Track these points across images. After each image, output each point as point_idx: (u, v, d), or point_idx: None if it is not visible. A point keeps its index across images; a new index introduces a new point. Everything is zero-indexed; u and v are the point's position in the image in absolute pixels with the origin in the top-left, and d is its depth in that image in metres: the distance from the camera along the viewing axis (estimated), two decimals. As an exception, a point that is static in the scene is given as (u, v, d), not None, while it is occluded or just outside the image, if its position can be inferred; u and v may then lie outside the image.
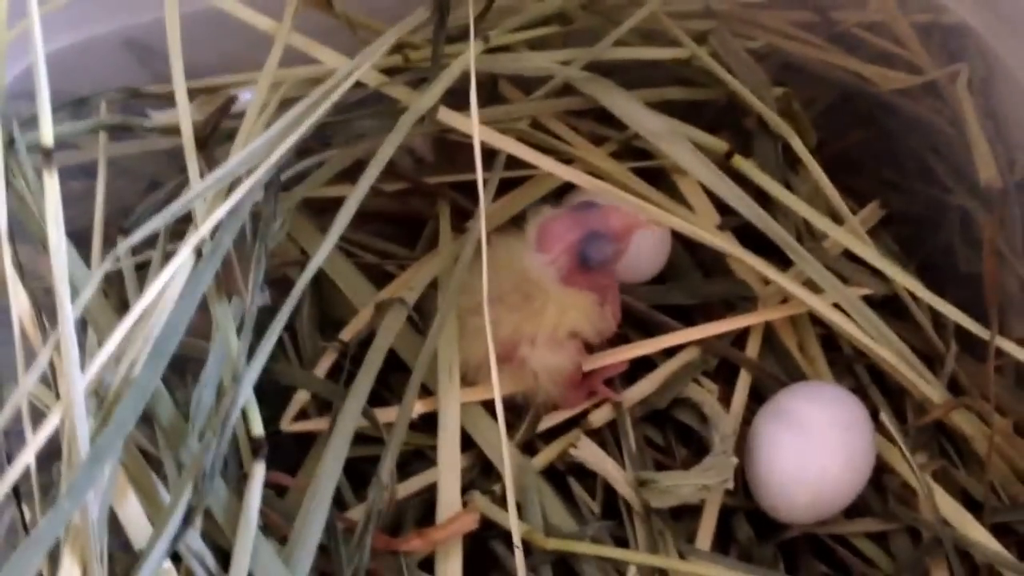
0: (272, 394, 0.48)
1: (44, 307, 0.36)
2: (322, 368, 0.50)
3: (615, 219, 0.45)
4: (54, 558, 0.34)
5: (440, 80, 0.43)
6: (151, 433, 0.40)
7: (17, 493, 0.36)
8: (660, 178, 0.54)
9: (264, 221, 0.39)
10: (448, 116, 0.45)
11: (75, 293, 0.34)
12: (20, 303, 0.35)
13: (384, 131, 0.43)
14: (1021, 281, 0.52)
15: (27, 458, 0.31)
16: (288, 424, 0.48)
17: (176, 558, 0.36)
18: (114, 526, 0.36)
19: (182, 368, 0.42)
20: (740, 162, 0.51)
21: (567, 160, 0.50)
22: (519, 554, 0.42)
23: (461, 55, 0.44)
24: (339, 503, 0.47)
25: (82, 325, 0.38)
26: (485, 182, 0.49)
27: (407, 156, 0.54)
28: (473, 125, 0.40)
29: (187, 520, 0.35)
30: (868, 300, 0.51)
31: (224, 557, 0.38)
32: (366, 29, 0.46)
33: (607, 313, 0.48)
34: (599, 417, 0.50)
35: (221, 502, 0.38)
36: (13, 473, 0.31)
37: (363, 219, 0.49)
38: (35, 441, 0.30)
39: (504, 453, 0.42)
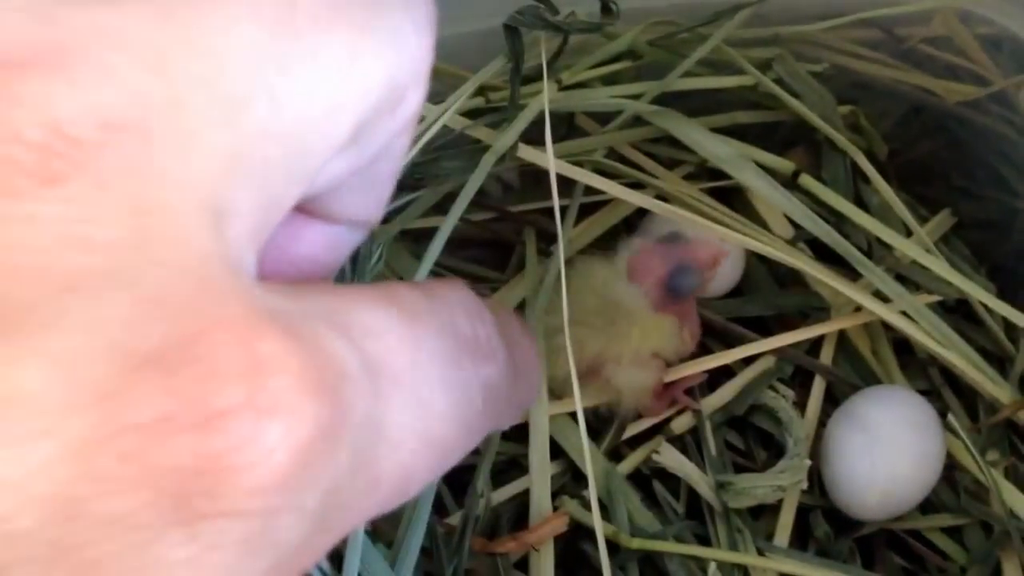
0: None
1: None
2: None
3: (702, 251, 0.49)
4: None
5: (517, 121, 0.46)
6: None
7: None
8: (735, 196, 0.57)
9: (360, 257, 0.43)
10: (527, 152, 0.48)
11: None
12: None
13: (470, 168, 0.47)
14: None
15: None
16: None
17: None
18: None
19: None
20: (807, 181, 0.54)
21: (641, 185, 0.54)
22: (603, 552, 0.45)
23: (537, 95, 0.48)
24: (440, 510, 0.50)
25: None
26: (565, 209, 0.53)
27: (496, 184, 0.58)
28: (550, 161, 0.44)
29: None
30: (942, 303, 0.54)
31: (337, 560, 0.42)
32: (448, 75, 0.50)
33: (686, 335, 0.51)
34: (680, 424, 0.53)
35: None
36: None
37: (457, 246, 0.53)
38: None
39: (587, 458, 0.46)
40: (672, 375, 0.53)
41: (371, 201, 0.21)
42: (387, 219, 0.51)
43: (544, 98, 0.46)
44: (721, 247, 0.50)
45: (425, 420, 0.17)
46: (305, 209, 0.20)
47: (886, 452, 0.50)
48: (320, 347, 0.15)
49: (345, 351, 0.16)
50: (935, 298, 0.54)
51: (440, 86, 0.50)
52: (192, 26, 0.15)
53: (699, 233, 0.51)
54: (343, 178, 0.18)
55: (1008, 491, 0.51)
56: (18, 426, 0.13)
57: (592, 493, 0.46)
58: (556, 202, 0.45)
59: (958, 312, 0.56)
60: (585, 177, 0.49)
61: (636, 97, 0.52)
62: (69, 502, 0.13)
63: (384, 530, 0.46)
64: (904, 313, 0.52)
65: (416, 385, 0.17)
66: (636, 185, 0.53)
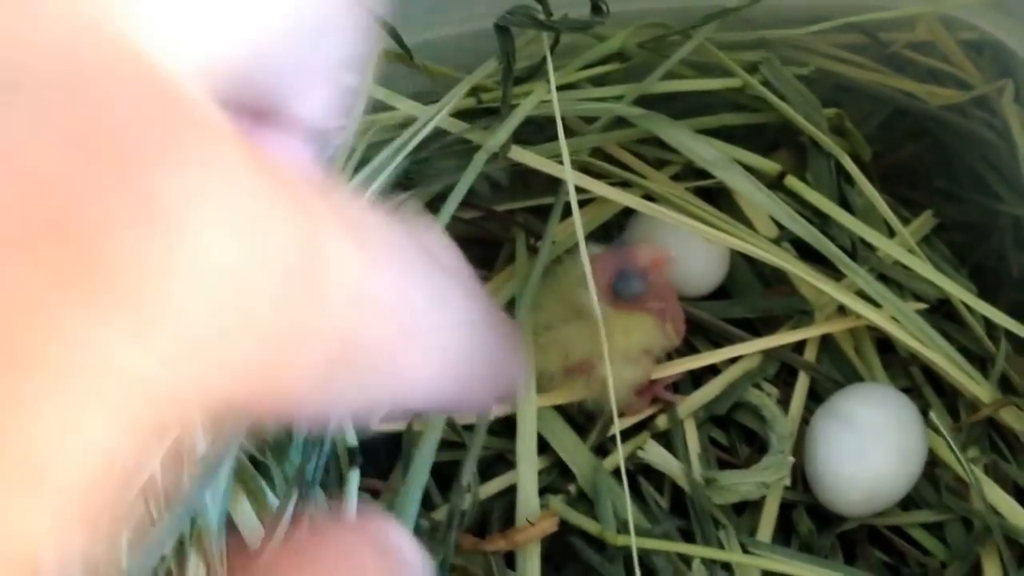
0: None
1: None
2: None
3: (642, 255, 0.50)
4: (181, 559, 0.39)
5: (508, 122, 0.47)
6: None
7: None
8: (720, 196, 0.57)
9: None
10: (517, 153, 0.49)
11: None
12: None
13: (461, 168, 0.48)
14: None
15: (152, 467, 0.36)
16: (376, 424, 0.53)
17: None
18: (232, 529, 0.41)
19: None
20: (793, 182, 0.54)
21: (628, 185, 0.54)
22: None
23: (528, 96, 0.48)
24: (427, 504, 0.51)
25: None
26: (551, 208, 0.53)
27: (485, 182, 0.58)
28: (567, 166, 0.45)
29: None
30: (923, 303, 0.55)
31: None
32: (441, 76, 0.50)
33: (669, 329, 0.52)
34: (665, 421, 0.54)
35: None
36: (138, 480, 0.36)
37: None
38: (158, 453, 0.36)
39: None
40: (655, 374, 0.53)
41: (320, 98, 0.19)
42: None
43: (536, 100, 0.46)
44: (662, 250, 0.51)
45: (400, 304, 0.16)
46: (273, 120, 0.18)
47: (869, 449, 0.51)
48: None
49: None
50: (922, 305, 0.54)
51: (434, 86, 0.50)
52: None
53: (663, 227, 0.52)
54: (267, 48, 0.16)
55: (989, 488, 0.51)
56: None
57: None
58: (575, 204, 0.46)
59: (940, 312, 0.56)
60: (576, 178, 0.50)
61: (621, 99, 0.53)
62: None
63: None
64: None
65: (395, 270, 0.16)
66: (624, 184, 0.54)
